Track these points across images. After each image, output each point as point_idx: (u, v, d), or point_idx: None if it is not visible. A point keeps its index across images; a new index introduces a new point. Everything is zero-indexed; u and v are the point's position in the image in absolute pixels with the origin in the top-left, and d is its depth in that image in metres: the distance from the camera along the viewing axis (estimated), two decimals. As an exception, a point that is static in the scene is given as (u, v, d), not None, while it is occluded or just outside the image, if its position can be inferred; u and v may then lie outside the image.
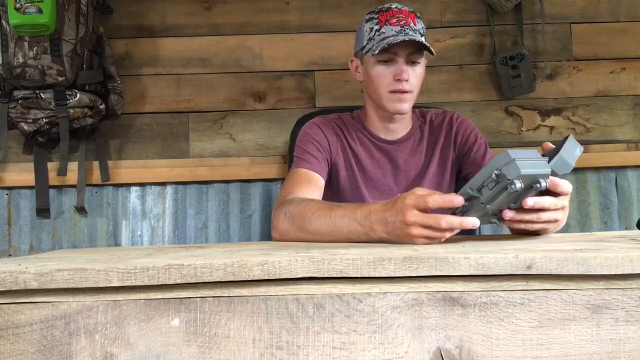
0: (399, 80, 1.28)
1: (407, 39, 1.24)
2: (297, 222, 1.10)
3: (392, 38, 1.25)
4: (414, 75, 1.30)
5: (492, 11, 2.04)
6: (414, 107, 1.48)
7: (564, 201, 0.90)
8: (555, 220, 0.92)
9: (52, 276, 0.62)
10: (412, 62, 1.30)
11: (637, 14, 2.08)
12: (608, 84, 2.06)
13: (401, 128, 1.41)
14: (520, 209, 0.88)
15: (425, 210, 0.87)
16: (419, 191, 0.90)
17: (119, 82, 1.92)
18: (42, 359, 0.63)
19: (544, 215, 0.89)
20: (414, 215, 0.87)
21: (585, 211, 2.02)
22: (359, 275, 0.63)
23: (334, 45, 2.04)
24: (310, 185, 1.29)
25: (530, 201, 0.85)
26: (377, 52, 1.26)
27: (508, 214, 0.87)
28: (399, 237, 0.90)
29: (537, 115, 2.06)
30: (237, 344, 0.63)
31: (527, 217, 0.89)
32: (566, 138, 0.90)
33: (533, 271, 0.63)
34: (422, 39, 1.28)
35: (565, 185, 0.89)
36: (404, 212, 0.88)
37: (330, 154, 1.38)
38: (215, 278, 0.63)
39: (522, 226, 0.90)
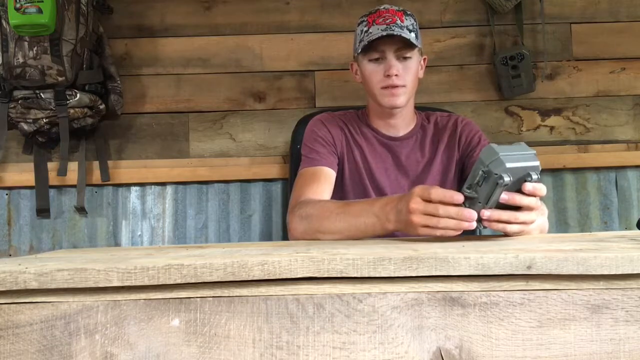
0: (388, 76, 1.32)
1: (385, 34, 1.27)
2: (314, 223, 1.14)
3: (376, 36, 1.29)
4: (405, 69, 1.33)
5: (492, 11, 2.04)
6: (420, 109, 1.50)
7: (537, 201, 0.91)
8: (532, 221, 0.93)
9: (52, 276, 0.62)
10: (403, 58, 1.33)
11: (637, 14, 2.08)
12: (608, 84, 2.06)
13: (403, 125, 1.43)
14: (498, 208, 0.89)
15: (428, 200, 0.92)
16: (427, 185, 0.97)
17: (119, 82, 1.92)
18: (42, 359, 0.63)
19: (520, 215, 0.90)
20: (416, 202, 0.93)
21: (585, 211, 2.02)
22: (359, 275, 0.63)
23: (334, 45, 2.04)
24: (320, 181, 1.32)
25: (504, 195, 0.88)
26: (360, 50, 1.32)
27: (485, 213, 0.89)
28: (405, 225, 0.97)
29: (537, 115, 2.06)
30: (237, 344, 0.63)
31: (505, 216, 0.90)
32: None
33: (533, 271, 0.63)
34: (411, 35, 1.30)
35: (531, 187, 0.89)
36: (409, 200, 0.95)
37: (335, 147, 1.41)
38: (215, 278, 0.63)
39: (501, 226, 0.91)
